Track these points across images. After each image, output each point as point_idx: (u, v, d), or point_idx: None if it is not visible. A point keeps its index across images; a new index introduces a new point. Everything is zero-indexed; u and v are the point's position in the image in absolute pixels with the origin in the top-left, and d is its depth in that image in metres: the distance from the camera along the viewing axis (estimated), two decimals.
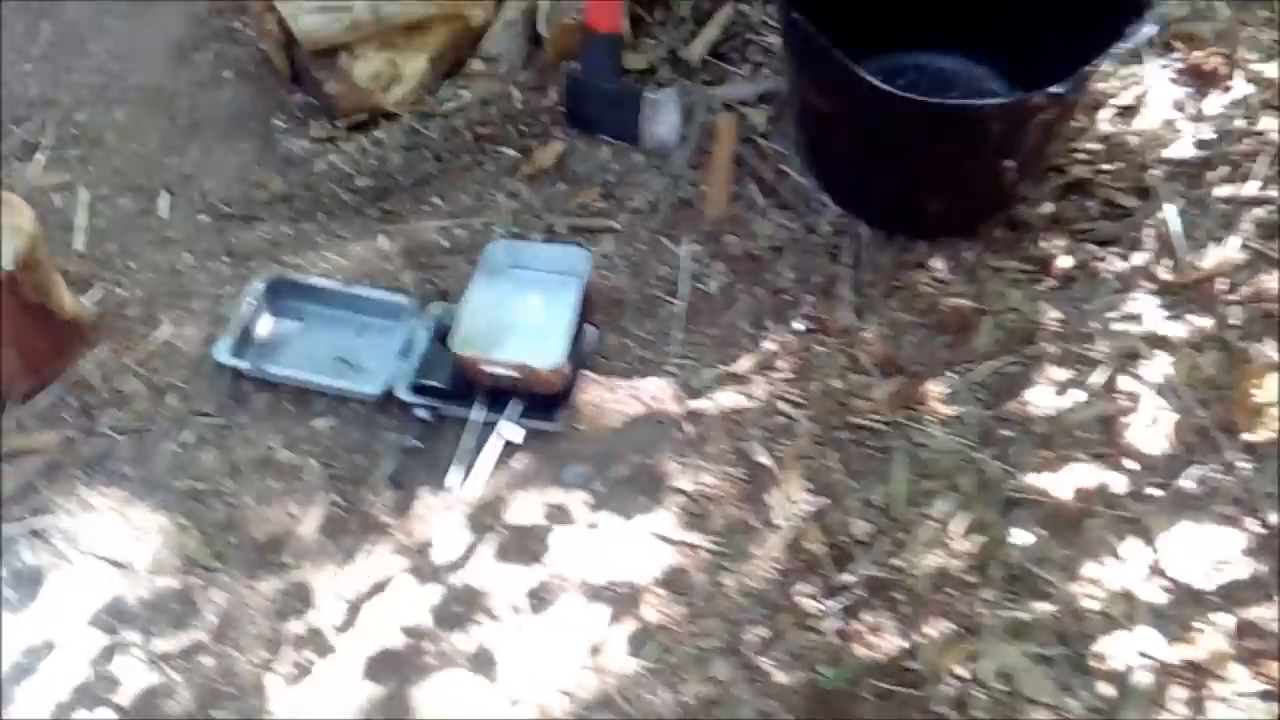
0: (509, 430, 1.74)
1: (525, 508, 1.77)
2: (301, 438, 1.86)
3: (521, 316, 1.84)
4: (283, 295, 1.99)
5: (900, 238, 2.02)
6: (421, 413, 1.83)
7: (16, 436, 1.86)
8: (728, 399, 1.86)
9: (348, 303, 1.98)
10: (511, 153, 2.25)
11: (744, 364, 1.90)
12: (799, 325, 1.93)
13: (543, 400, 1.80)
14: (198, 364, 1.95)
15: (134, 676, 1.63)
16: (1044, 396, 1.78)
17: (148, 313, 2.03)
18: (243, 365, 1.88)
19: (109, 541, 1.76)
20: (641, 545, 1.72)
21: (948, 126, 1.82)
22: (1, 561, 1.73)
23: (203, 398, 1.91)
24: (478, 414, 1.79)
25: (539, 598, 1.68)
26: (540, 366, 1.72)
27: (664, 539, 1.72)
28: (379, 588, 1.70)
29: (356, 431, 1.87)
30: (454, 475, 1.72)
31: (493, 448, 1.76)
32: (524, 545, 1.73)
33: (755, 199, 2.12)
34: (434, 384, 1.82)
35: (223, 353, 1.88)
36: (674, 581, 1.68)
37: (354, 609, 1.69)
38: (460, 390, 1.83)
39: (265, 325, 1.98)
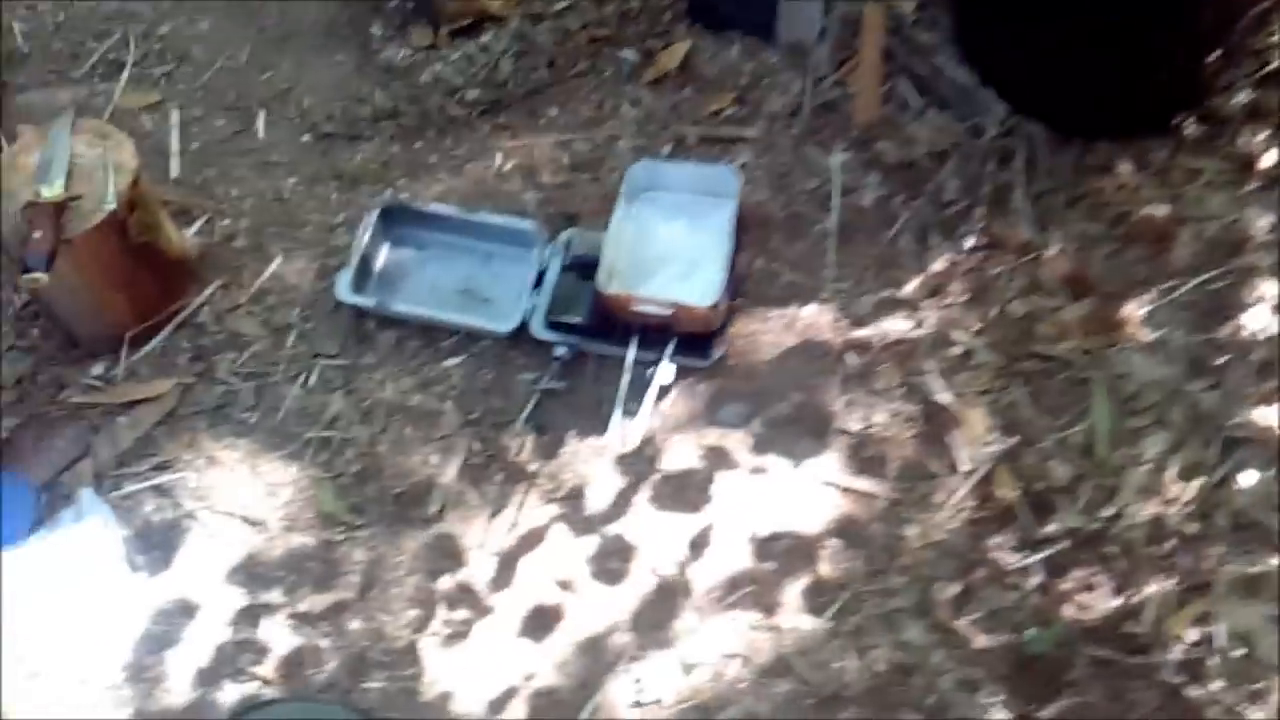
0: (664, 372, 1.59)
1: (680, 452, 1.63)
2: (433, 379, 1.72)
3: (670, 246, 1.67)
4: (399, 223, 1.83)
5: (1079, 139, 1.80)
6: (560, 351, 1.68)
7: (130, 385, 1.75)
8: (894, 327, 1.69)
9: (470, 230, 1.82)
10: (631, 56, 2.04)
11: (910, 287, 1.72)
12: (970, 242, 1.74)
13: (694, 336, 1.64)
14: (314, 300, 1.82)
15: (279, 640, 1.54)
16: (1260, 317, 1.59)
17: (256, 245, 1.89)
18: (367, 303, 1.74)
19: (239, 497, 1.65)
20: (810, 492, 1.58)
21: (1151, 8, 1.59)
22: (126, 521, 1.63)
23: (324, 338, 1.78)
24: (627, 353, 1.63)
25: (702, 549, 1.56)
26: (697, 304, 1.55)
27: (835, 485, 1.58)
28: (531, 541, 1.58)
29: (490, 371, 1.73)
30: (615, 426, 1.57)
31: (652, 392, 1.60)
32: (682, 493, 1.60)
33: (909, 99, 1.90)
34: (572, 320, 1.67)
35: (344, 290, 1.74)
36: (850, 533, 1.54)
37: (507, 564, 1.57)
38: (599, 326, 1.67)
39: (383, 256, 1.83)
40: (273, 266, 1.86)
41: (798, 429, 1.63)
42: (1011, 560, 1.49)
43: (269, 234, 1.90)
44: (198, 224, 1.91)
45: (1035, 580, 1.47)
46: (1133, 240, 1.70)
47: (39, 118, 1.86)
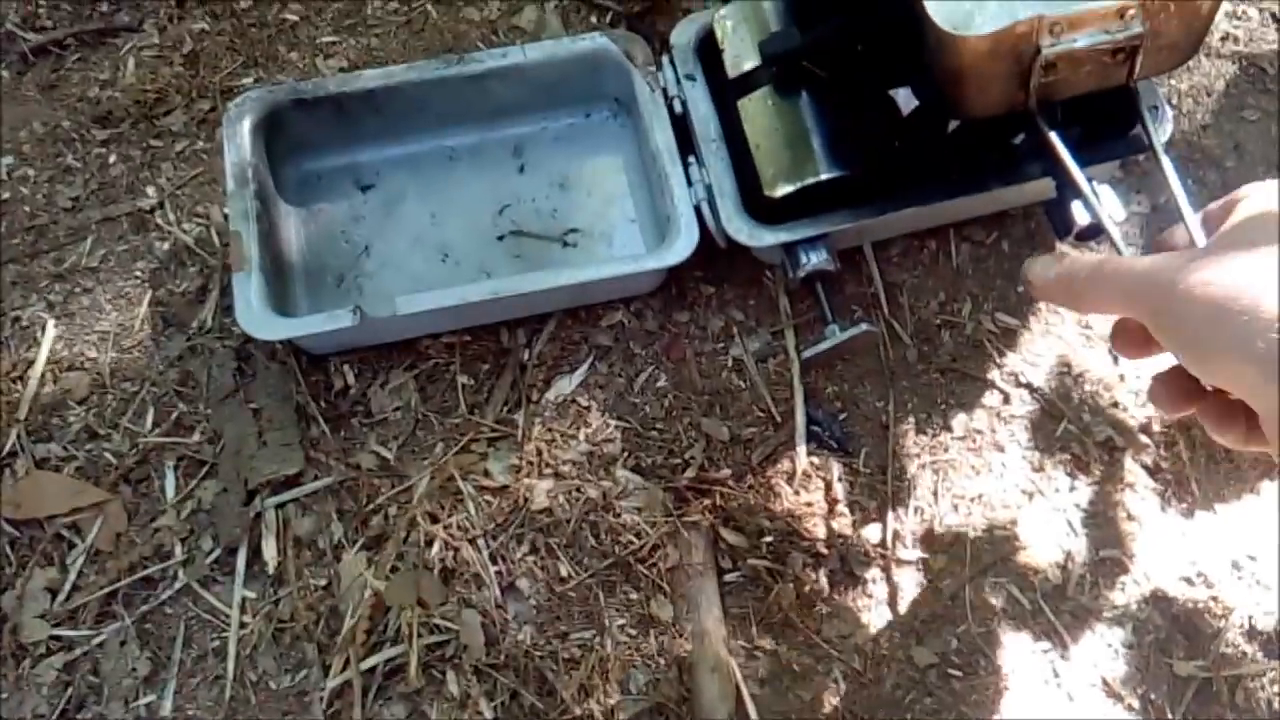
0: (1111, 201, 0.67)
1: None
2: (595, 437, 0.75)
3: None
4: (296, 136, 0.81)
5: None
6: (813, 259, 0.74)
7: None
8: None
9: (458, 102, 0.82)
10: None
11: None
12: None
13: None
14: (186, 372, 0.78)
15: None
16: None
17: None
18: (334, 324, 0.72)
19: None
20: None
21: None
22: None
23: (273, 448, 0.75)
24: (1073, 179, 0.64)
25: None
26: None
27: None
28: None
29: (641, 365, 0.77)
30: None
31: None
32: None
33: None
34: (840, 172, 0.72)
35: (259, 320, 0.71)
36: None
37: None
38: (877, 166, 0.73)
39: (292, 226, 0.81)
40: (45, 344, 0.80)
41: None
42: None
43: None
44: None
45: None
46: None
47: None
